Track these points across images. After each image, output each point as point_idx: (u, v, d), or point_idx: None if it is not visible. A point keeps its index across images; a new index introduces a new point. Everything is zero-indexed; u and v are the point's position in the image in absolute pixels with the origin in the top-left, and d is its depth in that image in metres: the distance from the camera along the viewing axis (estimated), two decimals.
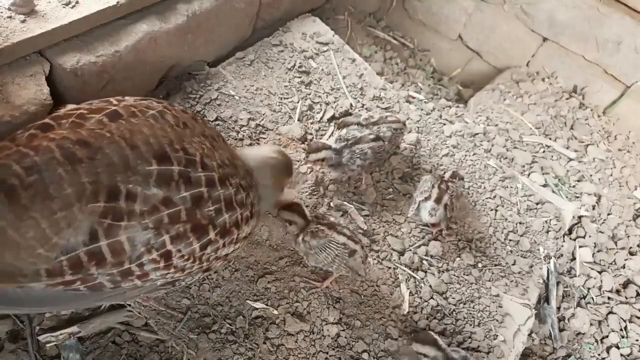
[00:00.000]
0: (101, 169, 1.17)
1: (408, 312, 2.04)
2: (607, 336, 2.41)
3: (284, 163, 1.73)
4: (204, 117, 1.49)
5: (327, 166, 2.19)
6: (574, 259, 2.57)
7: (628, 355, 2.37)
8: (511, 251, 2.37)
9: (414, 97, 2.96)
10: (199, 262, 1.37)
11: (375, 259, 2.14)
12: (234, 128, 2.30)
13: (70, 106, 1.35)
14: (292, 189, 1.87)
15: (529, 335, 2.21)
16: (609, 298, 2.50)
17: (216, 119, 2.29)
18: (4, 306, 1.28)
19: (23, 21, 1.71)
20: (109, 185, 1.17)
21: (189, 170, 1.27)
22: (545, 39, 3.35)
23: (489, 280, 2.23)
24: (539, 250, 2.43)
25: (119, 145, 1.21)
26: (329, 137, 2.42)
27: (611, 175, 3.00)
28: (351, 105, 2.57)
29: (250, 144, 2.28)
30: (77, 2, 1.83)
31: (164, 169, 1.23)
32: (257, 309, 1.87)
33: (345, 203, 2.24)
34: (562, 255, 2.52)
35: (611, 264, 2.62)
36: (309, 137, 2.40)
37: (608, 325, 2.43)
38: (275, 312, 1.88)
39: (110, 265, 1.21)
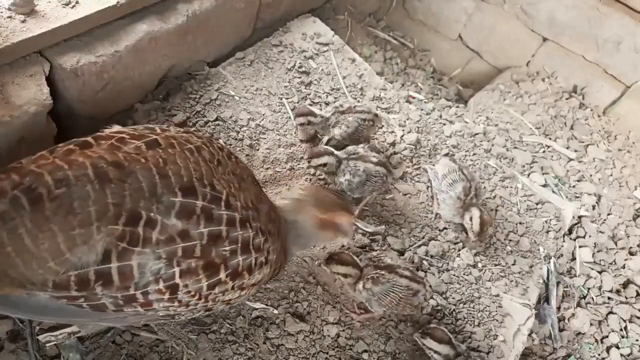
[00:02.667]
0: (128, 193, 1.19)
1: (408, 312, 2.03)
2: (607, 336, 2.41)
3: (330, 198, 1.69)
4: (237, 157, 1.54)
5: (325, 172, 2.17)
6: (574, 259, 2.57)
7: (628, 355, 2.37)
8: (511, 251, 2.37)
9: (414, 97, 2.96)
10: (204, 301, 1.35)
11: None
12: (234, 128, 2.30)
13: (115, 127, 1.39)
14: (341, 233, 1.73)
15: (529, 335, 2.21)
16: (609, 298, 2.50)
17: (216, 119, 2.29)
18: (5, 308, 1.28)
19: (23, 21, 1.71)
20: (131, 209, 1.18)
21: (212, 207, 1.28)
22: (545, 39, 3.35)
23: (489, 280, 2.23)
24: (539, 250, 2.43)
25: (150, 172, 1.23)
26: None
27: (611, 175, 3.00)
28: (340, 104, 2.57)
29: (250, 145, 2.28)
30: (77, 2, 1.83)
31: (187, 201, 1.24)
32: (257, 309, 1.87)
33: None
34: (562, 255, 2.52)
35: (611, 264, 2.62)
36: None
37: (608, 325, 2.43)
38: (275, 312, 1.88)
39: (116, 289, 1.21)
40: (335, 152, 2.15)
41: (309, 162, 2.17)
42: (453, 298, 2.13)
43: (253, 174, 1.59)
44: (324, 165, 2.12)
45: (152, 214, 1.19)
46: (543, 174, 2.80)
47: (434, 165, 2.45)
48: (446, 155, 2.59)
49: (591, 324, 2.40)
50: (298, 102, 2.49)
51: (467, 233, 2.22)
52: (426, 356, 1.90)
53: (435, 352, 1.86)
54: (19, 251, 1.13)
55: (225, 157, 1.44)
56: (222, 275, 1.32)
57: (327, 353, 1.86)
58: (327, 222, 1.62)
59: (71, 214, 1.14)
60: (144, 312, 1.30)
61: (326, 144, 2.34)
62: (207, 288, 1.31)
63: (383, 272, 1.84)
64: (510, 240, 2.40)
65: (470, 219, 2.16)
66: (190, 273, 1.26)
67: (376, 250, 2.14)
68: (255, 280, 1.46)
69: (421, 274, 2.13)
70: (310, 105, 2.50)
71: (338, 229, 1.65)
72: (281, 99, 2.48)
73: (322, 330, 1.91)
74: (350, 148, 2.18)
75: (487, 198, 2.52)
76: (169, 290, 1.26)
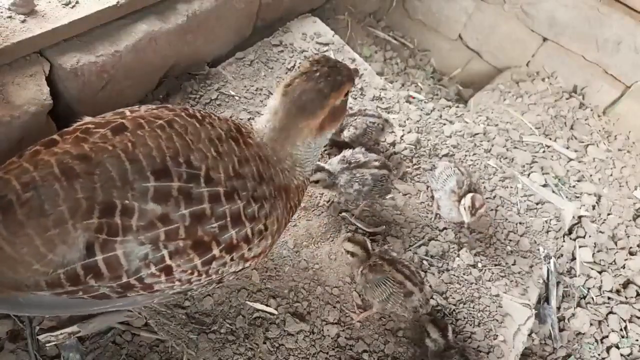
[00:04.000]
0: (98, 184, 1.16)
1: (400, 313, 2.03)
2: (607, 336, 2.41)
3: (301, 93, 1.37)
4: (211, 116, 1.41)
5: (321, 187, 2.13)
6: (574, 259, 2.57)
7: (628, 355, 2.37)
8: (511, 251, 2.37)
9: (414, 97, 2.96)
10: (207, 276, 1.33)
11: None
12: None
13: (86, 119, 1.34)
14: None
15: (529, 335, 2.21)
16: (609, 298, 2.50)
17: None
18: (15, 308, 1.29)
19: (23, 21, 1.71)
20: (104, 201, 1.15)
21: (190, 185, 1.23)
22: (545, 39, 3.35)
23: (489, 280, 2.23)
24: (539, 250, 2.43)
25: (119, 159, 1.18)
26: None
27: (611, 175, 3.00)
28: (350, 106, 2.57)
29: None
30: (77, 2, 1.83)
31: (162, 185, 1.20)
32: (257, 309, 1.87)
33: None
34: (562, 255, 2.52)
35: (611, 264, 2.62)
36: None
37: (608, 325, 2.43)
38: (275, 312, 1.88)
39: (108, 279, 1.20)
40: (327, 167, 2.09)
41: None
42: (453, 298, 2.13)
43: (231, 125, 1.42)
44: (317, 182, 2.07)
45: (127, 202, 1.16)
46: (543, 174, 2.80)
47: (434, 166, 2.44)
48: (445, 155, 2.59)
49: (591, 324, 2.40)
50: None
51: (463, 220, 2.15)
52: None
53: (431, 338, 1.87)
54: (1, 260, 1.13)
55: (197, 125, 1.34)
56: (216, 251, 1.28)
57: (327, 353, 1.86)
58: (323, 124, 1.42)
59: (43, 215, 1.13)
60: (150, 294, 1.30)
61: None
62: (202, 265, 1.28)
63: (382, 263, 1.86)
64: (510, 240, 2.40)
65: (464, 202, 2.13)
66: (179, 253, 1.23)
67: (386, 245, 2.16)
68: (257, 251, 1.40)
69: (421, 274, 2.14)
70: None
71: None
72: None
73: (322, 330, 1.90)
74: (347, 155, 2.12)
75: (487, 198, 2.51)
76: (164, 272, 1.24)
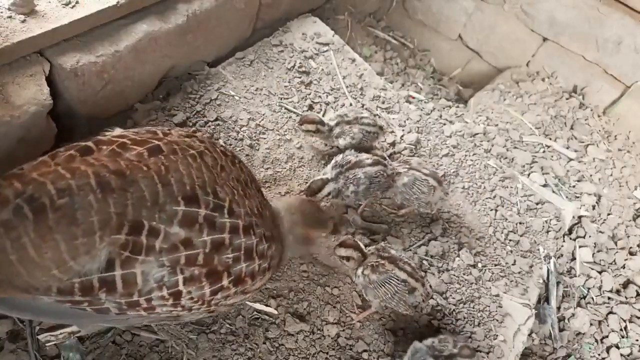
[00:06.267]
0: (130, 202, 1.19)
1: (403, 311, 2.03)
2: (607, 336, 2.41)
3: (314, 215, 1.71)
4: (241, 162, 1.54)
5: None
6: (574, 259, 2.57)
7: (628, 355, 2.37)
8: (511, 251, 2.37)
9: (414, 97, 2.96)
10: (207, 306, 1.37)
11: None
12: (234, 128, 2.30)
13: (117, 131, 1.38)
14: (331, 237, 1.86)
15: (529, 335, 2.21)
16: (609, 298, 2.50)
17: (216, 119, 2.29)
18: (6, 309, 1.29)
19: (23, 21, 1.71)
20: (134, 219, 1.19)
21: (215, 214, 1.28)
22: (545, 39, 3.35)
23: (489, 280, 2.23)
24: (539, 250, 2.43)
25: (152, 181, 1.23)
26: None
27: (611, 175, 3.00)
28: (351, 105, 2.57)
29: (250, 145, 2.28)
30: (77, 2, 1.83)
31: (190, 210, 1.24)
32: (256, 309, 1.87)
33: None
34: (562, 255, 2.52)
35: (611, 264, 2.62)
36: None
37: (608, 325, 2.43)
38: (275, 312, 1.88)
39: (120, 295, 1.22)
40: (329, 174, 2.08)
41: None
42: (453, 298, 2.13)
43: (257, 181, 1.58)
44: (329, 194, 2.07)
45: (154, 223, 1.20)
46: (543, 174, 2.80)
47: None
48: (445, 155, 2.58)
49: (591, 324, 2.40)
50: (298, 102, 2.49)
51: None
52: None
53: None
54: (22, 260, 1.14)
55: (229, 163, 1.44)
56: (225, 282, 1.33)
57: (327, 353, 1.86)
58: (310, 239, 1.69)
59: (74, 224, 1.15)
60: (147, 315, 1.31)
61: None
62: (210, 294, 1.32)
63: (383, 262, 1.84)
64: (510, 240, 2.40)
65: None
66: (193, 280, 1.27)
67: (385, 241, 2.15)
68: (258, 285, 1.47)
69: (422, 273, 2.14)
70: (311, 105, 2.51)
71: (315, 247, 1.76)
72: (279, 98, 2.48)
73: (322, 330, 1.90)
74: (338, 159, 2.10)
75: (487, 198, 2.52)
76: (172, 297, 1.27)
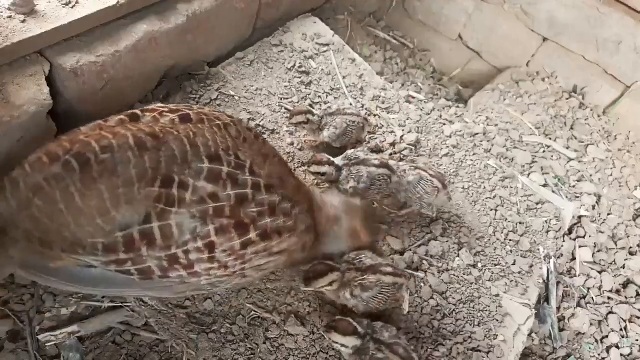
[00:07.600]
0: (163, 159, 1.33)
1: (408, 312, 2.03)
2: (607, 336, 2.41)
3: (373, 219, 1.87)
4: (266, 140, 1.66)
5: (325, 181, 2.13)
6: (574, 259, 2.57)
7: (628, 355, 2.37)
8: (511, 251, 2.37)
9: (414, 97, 2.96)
10: (241, 262, 1.45)
11: None
12: None
13: (159, 105, 1.55)
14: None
15: (529, 335, 2.21)
16: (609, 298, 2.50)
17: None
18: (61, 281, 1.41)
19: (23, 21, 1.71)
20: (165, 174, 1.32)
21: (237, 172, 1.41)
22: (545, 39, 3.35)
23: (489, 280, 2.23)
24: (539, 250, 2.43)
25: (182, 142, 1.37)
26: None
27: (611, 175, 3.00)
28: (351, 105, 2.57)
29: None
30: (77, 2, 1.83)
31: (214, 167, 1.37)
32: (256, 309, 1.87)
33: None
34: (562, 255, 2.51)
35: (611, 264, 2.62)
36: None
37: (608, 325, 2.43)
38: (276, 312, 1.88)
39: (159, 248, 1.32)
40: (335, 161, 2.09)
41: (308, 167, 2.12)
42: (453, 298, 2.13)
43: (282, 158, 1.70)
44: (323, 174, 2.07)
45: (183, 177, 1.33)
46: (543, 174, 2.80)
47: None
48: (445, 155, 2.58)
49: (591, 324, 2.40)
50: (298, 102, 2.49)
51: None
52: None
53: (343, 346, 1.72)
54: (70, 208, 1.27)
55: (252, 137, 1.57)
56: (253, 234, 1.42)
57: (327, 353, 1.86)
58: (358, 235, 1.84)
59: (115, 175, 1.28)
60: (188, 276, 1.40)
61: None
62: (240, 247, 1.41)
63: (366, 276, 1.79)
64: (510, 240, 2.40)
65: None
66: (223, 231, 1.37)
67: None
68: (283, 246, 1.54)
69: (421, 273, 2.14)
70: (311, 105, 2.51)
71: (361, 244, 1.88)
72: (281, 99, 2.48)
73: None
74: (349, 152, 2.11)
75: (487, 198, 2.52)
76: (207, 249, 1.36)
